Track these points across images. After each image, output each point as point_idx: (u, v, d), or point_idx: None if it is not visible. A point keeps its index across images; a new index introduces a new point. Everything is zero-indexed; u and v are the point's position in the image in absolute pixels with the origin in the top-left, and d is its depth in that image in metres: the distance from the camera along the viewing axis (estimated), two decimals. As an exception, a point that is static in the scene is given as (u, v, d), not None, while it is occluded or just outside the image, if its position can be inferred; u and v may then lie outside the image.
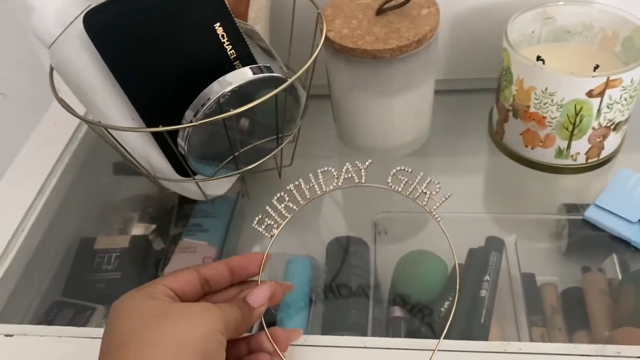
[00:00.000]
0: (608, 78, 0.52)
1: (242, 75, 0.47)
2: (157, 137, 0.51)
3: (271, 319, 0.54)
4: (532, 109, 0.57)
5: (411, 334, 0.51)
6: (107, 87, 0.49)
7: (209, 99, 0.46)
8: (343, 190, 0.66)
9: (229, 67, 0.49)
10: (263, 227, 0.47)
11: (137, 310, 0.36)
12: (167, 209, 0.67)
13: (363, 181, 0.48)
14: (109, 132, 0.49)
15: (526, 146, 0.60)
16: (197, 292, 0.40)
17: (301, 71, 0.47)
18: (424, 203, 0.46)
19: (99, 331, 0.48)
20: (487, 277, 0.53)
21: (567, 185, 0.62)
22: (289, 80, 0.47)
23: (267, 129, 0.53)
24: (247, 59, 0.50)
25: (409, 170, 0.47)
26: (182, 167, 0.51)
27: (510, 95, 0.59)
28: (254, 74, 0.47)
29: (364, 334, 0.50)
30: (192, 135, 0.47)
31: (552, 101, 0.55)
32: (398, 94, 0.59)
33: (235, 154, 0.51)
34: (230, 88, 0.46)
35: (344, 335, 0.49)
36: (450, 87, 0.71)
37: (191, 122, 0.46)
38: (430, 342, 0.44)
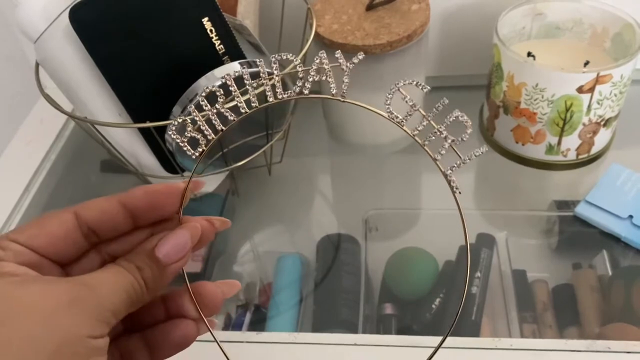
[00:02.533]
0: (598, 74, 0.52)
1: (231, 69, 0.47)
2: (145, 133, 0.50)
3: (261, 317, 0.53)
4: (522, 105, 0.57)
5: (402, 331, 0.51)
6: (94, 82, 0.48)
7: (196, 94, 0.45)
8: (333, 187, 0.68)
9: (218, 62, 0.49)
10: (187, 139, 0.29)
11: None
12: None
13: (344, 91, 0.30)
14: (95, 128, 0.48)
15: (517, 142, 0.60)
16: (77, 247, 0.27)
17: (290, 67, 0.47)
18: (437, 157, 0.30)
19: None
20: (478, 274, 0.53)
21: (557, 182, 0.62)
22: (279, 75, 0.47)
23: (257, 125, 0.52)
24: (235, 54, 0.50)
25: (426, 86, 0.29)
26: (169, 164, 0.50)
27: (500, 92, 0.58)
28: (242, 68, 0.47)
29: (355, 332, 0.50)
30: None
31: (542, 97, 0.55)
32: (387, 90, 0.58)
33: (224, 150, 0.50)
34: (217, 83, 0.46)
35: (335, 333, 0.48)
36: (441, 83, 0.70)
37: (179, 117, 0.46)
38: (421, 339, 0.44)
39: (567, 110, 0.55)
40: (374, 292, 0.55)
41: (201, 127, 0.29)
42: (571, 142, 0.58)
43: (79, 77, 0.48)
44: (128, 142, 0.51)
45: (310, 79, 0.29)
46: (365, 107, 0.29)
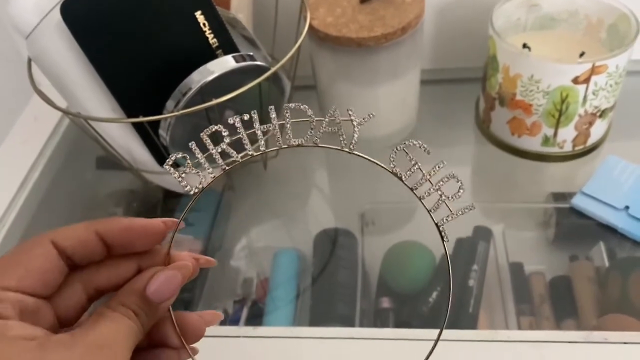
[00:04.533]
0: (593, 64, 0.52)
1: (224, 63, 0.46)
2: (139, 128, 0.50)
3: (258, 312, 0.53)
4: (518, 97, 0.57)
5: (399, 325, 0.51)
6: (87, 77, 0.48)
7: (190, 88, 0.45)
8: (329, 181, 0.67)
9: (211, 56, 0.48)
10: (181, 173, 0.29)
11: None
12: (151, 203, 0.66)
13: (354, 144, 0.30)
14: (88, 123, 0.48)
15: (513, 134, 0.60)
16: (59, 275, 0.26)
17: (284, 59, 0.47)
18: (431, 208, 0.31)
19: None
20: (475, 267, 0.52)
21: (554, 173, 0.62)
22: (272, 69, 0.47)
23: (252, 119, 0.52)
24: (229, 48, 0.50)
25: (424, 148, 0.30)
26: (164, 159, 0.50)
27: (496, 84, 0.58)
28: (236, 62, 0.47)
29: (352, 326, 0.50)
30: (173, 125, 0.46)
31: (538, 88, 0.55)
32: (384, 83, 0.58)
33: (220, 145, 0.50)
34: (211, 77, 0.46)
35: (332, 327, 0.48)
36: (436, 76, 0.70)
37: (172, 112, 0.45)
38: (418, 332, 0.44)
39: (562, 101, 0.55)
40: (371, 286, 0.54)
41: (202, 163, 0.29)
42: (567, 134, 0.58)
43: (71, 73, 0.47)
44: (122, 137, 0.51)
45: (322, 130, 0.30)
46: (372, 161, 0.30)
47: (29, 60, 0.51)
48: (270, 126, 0.28)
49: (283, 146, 0.29)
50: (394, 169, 0.30)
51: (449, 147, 0.67)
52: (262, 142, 0.29)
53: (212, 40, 0.49)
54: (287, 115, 0.28)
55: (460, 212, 0.29)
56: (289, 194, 0.64)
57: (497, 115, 0.60)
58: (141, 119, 0.44)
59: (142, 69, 0.47)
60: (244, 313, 0.54)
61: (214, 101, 0.44)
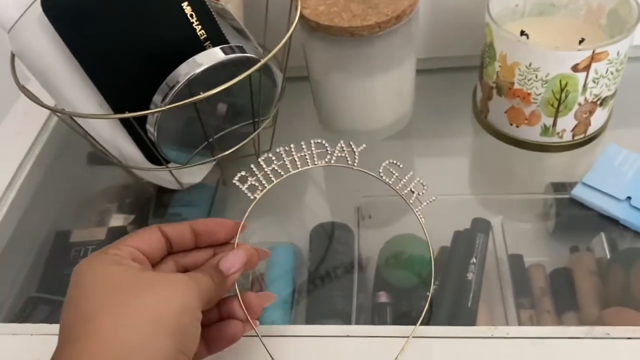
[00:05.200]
0: (594, 51, 0.51)
1: (213, 55, 0.45)
2: (126, 123, 0.48)
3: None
4: (516, 86, 0.55)
5: (397, 319, 0.50)
6: (72, 72, 0.46)
7: (177, 81, 0.44)
8: (326, 175, 0.66)
9: (199, 48, 0.47)
10: (245, 186, 0.43)
11: (104, 279, 0.32)
12: (145, 198, 0.65)
13: (356, 164, 0.46)
14: (74, 120, 0.46)
15: (511, 124, 0.59)
16: (162, 253, 0.37)
17: (275, 50, 0.45)
18: (411, 201, 0.46)
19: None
20: (473, 260, 0.52)
21: (553, 164, 0.61)
22: (263, 61, 0.45)
23: (244, 113, 0.51)
24: (218, 40, 0.48)
25: (400, 165, 0.47)
26: (153, 155, 0.49)
27: (493, 72, 0.57)
28: (225, 54, 0.45)
29: (349, 321, 0.49)
30: (161, 120, 0.45)
31: (536, 77, 0.53)
32: (378, 73, 0.57)
33: (210, 140, 0.49)
34: (200, 69, 0.44)
35: (328, 324, 0.47)
36: (432, 66, 0.69)
37: (159, 106, 0.44)
38: (411, 329, 0.43)
39: (562, 90, 0.53)
40: (369, 280, 0.54)
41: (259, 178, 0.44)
42: (567, 123, 0.57)
43: (55, 68, 0.46)
44: (110, 133, 0.49)
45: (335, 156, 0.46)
46: (372, 175, 0.46)
47: (12, 55, 0.50)
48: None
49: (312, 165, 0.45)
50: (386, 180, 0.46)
51: (446, 137, 0.66)
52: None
53: (200, 31, 0.47)
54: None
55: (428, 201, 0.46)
56: (284, 187, 0.62)
57: (494, 104, 0.59)
58: (127, 114, 0.42)
59: (127, 63, 0.46)
60: None
61: (202, 95, 0.43)
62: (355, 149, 0.46)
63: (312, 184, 0.64)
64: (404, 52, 0.57)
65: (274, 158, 0.44)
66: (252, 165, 0.43)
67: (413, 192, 0.46)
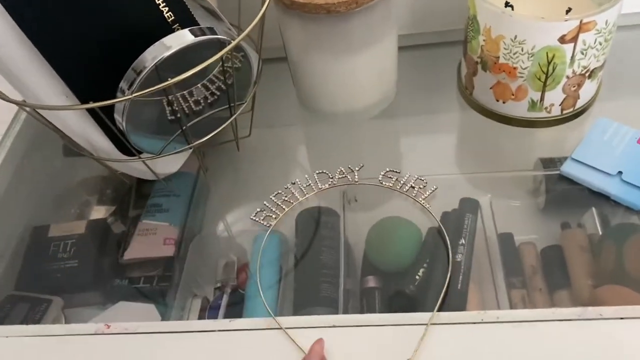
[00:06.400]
0: (581, 21, 0.49)
1: (181, 38, 0.43)
2: (94, 114, 0.46)
3: (239, 298, 0.52)
4: (501, 60, 0.54)
5: (386, 304, 0.49)
6: (33, 61, 0.44)
7: (144, 66, 0.42)
8: (308, 158, 0.65)
9: (167, 31, 0.45)
10: (262, 218, 0.52)
11: None
12: (125, 189, 0.63)
13: (356, 180, 0.55)
14: (37, 112, 0.44)
15: (497, 100, 0.58)
16: None
17: (247, 30, 0.43)
18: (414, 194, 0.53)
19: (51, 328, 0.45)
20: (462, 241, 0.50)
21: (542, 140, 0.59)
22: (234, 42, 0.43)
23: (219, 98, 0.49)
24: (187, 22, 0.46)
25: (398, 172, 0.55)
26: (125, 146, 0.47)
27: (478, 47, 0.55)
28: (194, 36, 0.43)
29: (337, 308, 0.48)
30: (130, 109, 0.43)
31: (522, 50, 0.52)
32: (358, 51, 0.55)
33: (183, 127, 0.47)
34: (168, 53, 0.42)
35: (315, 314, 0.46)
36: (415, 42, 0.68)
37: (126, 94, 0.42)
38: (403, 317, 0.42)
39: (549, 62, 0.52)
40: (356, 265, 0.53)
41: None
42: (555, 97, 0.55)
43: (16, 58, 0.44)
44: (78, 124, 0.47)
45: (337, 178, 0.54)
46: (374, 185, 0.54)
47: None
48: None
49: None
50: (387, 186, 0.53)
51: (431, 116, 0.64)
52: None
53: (167, 13, 0.45)
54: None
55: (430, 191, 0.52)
56: (267, 173, 0.61)
57: (480, 80, 0.58)
58: (92, 104, 0.40)
59: (91, 49, 0.43)
60: (224, 300, 0.52)
61: (171, 80, 0.40)
62: (354, 169, 0.55)
63: (295, 167, 0.62)
64: (384, 28, 0.56)
65: (282, 193, 0.55)
66: (265, 202, 0.54)
67: (414, 188, 0.53)
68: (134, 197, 0.61)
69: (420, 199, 0.53)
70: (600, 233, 0.50)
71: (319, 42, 0.55)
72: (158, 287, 0.53)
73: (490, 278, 0.49)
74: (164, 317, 0.51)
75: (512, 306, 0.47)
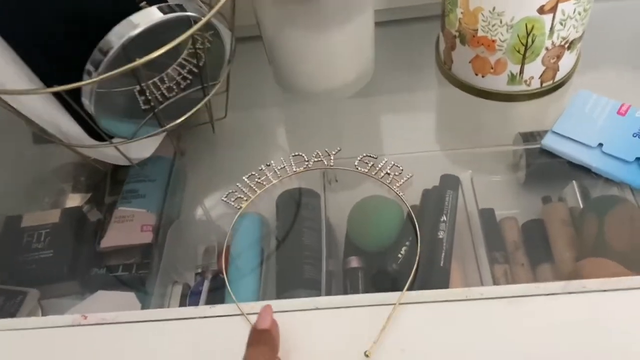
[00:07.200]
0: (560, -9, 0.49)
1: (149, 16, 0.41)
2: (61, 98, 0.44)
3: (221, 283, 0.50)
4: (480, 33, 0.53)
5: (369, 283, 0.49)
6: (-6, 44, 0.42)
7: (111, 46, 0.40)
8: (287, 138, 0.64)
9: (135, 9, 0.43)
10: (232, 200, 0.51)
11: None
12: (100, 175, 0.62)
13: (332, 164, 0.53)
14: (1, 98, 0.42)
15: (476, 75, 0.57)
16: None
17: (217, 7, 0.41)
18: (389, 181, 0.52)
19: (27, 321, 0.44)
20: (443, 218, 0.50)
21: (522, 114, 0.58)
22: (204, 19, 0.41)
23: (192, 79, 0.47)
24: (155, -1, 0.44)
25: (375, 157, 0.53)
26: (94, 131, 0.45)
27: (455, 20, 0.54)
28: (163, 13, 0.41)
29: (320, 289, 0.48)
30: (98, 92, 0.41)
31: (501, 22, 0.51)
32: (334, 28, 0.54)
33: (155, 110, 0.45)
34: (135, 32, 0.40)
35: (297, 296, 0.46)
36: (392, 17, 0.66)
37: (92, 76, 0.40)
38: (384, 297, 0.42)
39: (528, 34, 0.51)
40: (339, 245, 0.52)
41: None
42: (534, 70, 0.55)
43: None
44: (45, 110, 0.45)
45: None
46: (349, 170, 0.53)
47: None
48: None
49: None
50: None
51: (409, 92, 0.63)
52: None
53: (134, -10, 0.43)
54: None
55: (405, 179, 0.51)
56: (245, 154, 0.60)
57: (458, 54, 0.57)
58: (56, 88, 0.38)
59: (54, 28, 0.41)
60: (205, 286, 0.51)
61: (140, 60, 0.39)
62: (330, 153, 0.54)
63: (274, 148, 0.61)
64: (360, 2, 0.54)
65: (256, 174, 0.53)
66: (237, 184, 0.52)
67: (389, 174, 0.52)
68: (109, 183, 0.60)
69: (394, 187, 0.52)
70: (582, 207, 0.49)
71: (292, 19, 0.53)
72: (137, 275, 0.52)
73: (473, 254, 0.49)
74: (145, 305, 0.50)
75: (495, 282, 0.46)
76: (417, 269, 0.45)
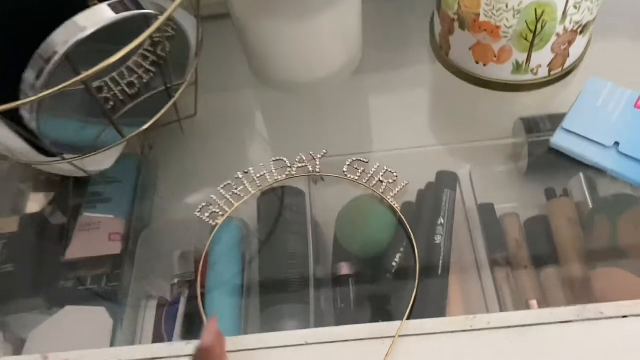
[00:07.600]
0: (575, -32, 0.44)
1: (99, 15, 0.36)
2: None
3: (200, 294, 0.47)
4: (482, 18, 0.48)
5: (361, 293, 0.46)
6: None
7: (54, 51, 0.35)
8: (269, 135, 0.59)
9: (81, 6, 0.37)
10: (207, 215, 0.47)
11: None
12: (61, 175, 0.57)
13: (318, 170, 0.49)
14: None
15: (477, 62, 0.53)
16: None
17: (176, 3, 0.35)
18: (382, 191, 0.47)
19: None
20: (441, 221, 0.47)
21: (527, 105, 0.54)
22: (164, 15, 0.35)
23: (155, 76, 0.41)
24: (104, -8, 0.38)
25: (366, 161, 0.49)
26: (42, 147, 0.39)
27: (454, 2, 0.50)
28: (115, 12, 0.36)
29: (308, 302, 0.45)
30: (42, 104, 0.35)
31: (506, 6, 0.46)
32: (317, 13, 0.49)
33: (112, 121, 0.39)
34: (83, 35, 0.35)
35: (284, 312, 0.44)
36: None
37: (34, 85, 0.34)
38: (381, 328, 0.38)
39: (537, 20, 0.47)
40: (327, 251, 0.49)
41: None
42: (542, 58, 0.51)
43: None
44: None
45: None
46: (336, 177, 0.47)
47: None
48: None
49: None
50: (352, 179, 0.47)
51: (402, 81, 0.59)
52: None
53: (79, -18, 0.37)
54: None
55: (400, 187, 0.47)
56: (221, 153, 0.56)
57: (457, 40, 0.53)
58: (-15, 107, 0.32)
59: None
60: (183, 302, 0.48)
61: (90, 71, 0.33)
62: (315, 157, 0.49)
63: (253, 145, 0.57)
64: (346, -18, 0.49)
65: (233, 184, 0.48)
66: (212, 196, 0.47)
67: (382, 182, 0.47)
68: (72, 184, 0.55)
69: (388, 197, 0.47)
70: (589, 200, 0.46)
71: (268, 5, 0.48)
72: (108, 288, 0.49)
73: (472, 256, 0.46)
74: (117, 320, 0.47)
75: (497, 288, 0.44)
76: (415, 297, 0.42)
